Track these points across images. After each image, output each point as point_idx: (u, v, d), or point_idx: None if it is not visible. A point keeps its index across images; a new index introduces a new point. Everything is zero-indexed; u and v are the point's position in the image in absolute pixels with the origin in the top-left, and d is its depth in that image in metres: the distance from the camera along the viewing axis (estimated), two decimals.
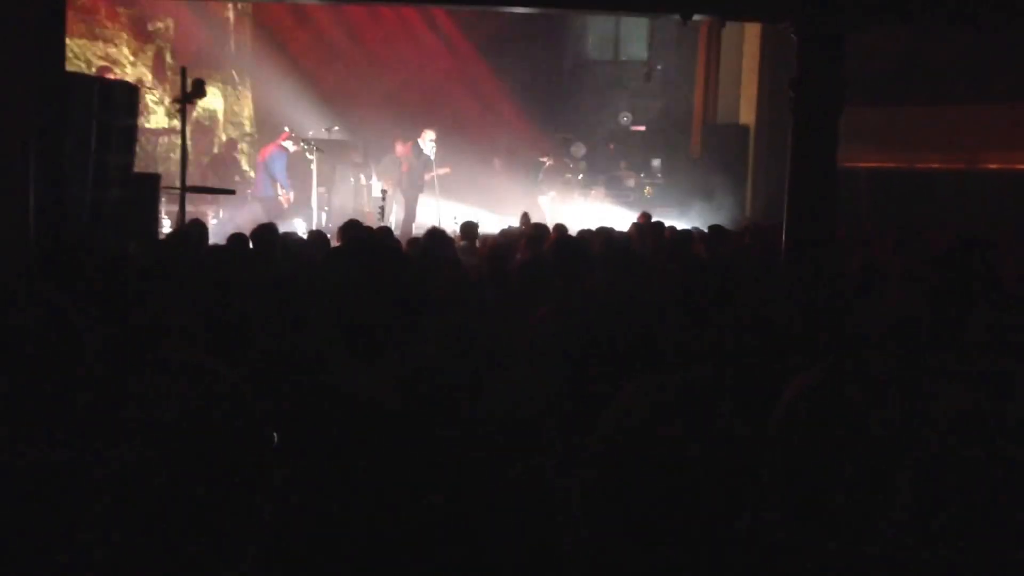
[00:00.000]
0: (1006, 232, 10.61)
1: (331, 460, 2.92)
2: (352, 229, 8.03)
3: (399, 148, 15.88)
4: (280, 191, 14.40)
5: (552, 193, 17.05)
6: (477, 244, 9.59)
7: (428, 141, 15.50)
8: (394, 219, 15.41)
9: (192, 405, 1.69)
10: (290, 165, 14.66)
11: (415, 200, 15.41)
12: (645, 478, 1.80)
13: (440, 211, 15.54)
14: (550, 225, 10.39)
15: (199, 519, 1.67)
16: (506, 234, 10.16)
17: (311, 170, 14.49)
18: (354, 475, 2.85)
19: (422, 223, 14.43)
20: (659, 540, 1.79)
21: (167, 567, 1.65)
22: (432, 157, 15.51)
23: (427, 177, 15.66)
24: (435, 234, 7.98)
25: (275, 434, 2.42)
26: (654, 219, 11.93)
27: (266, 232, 7.50)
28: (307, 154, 14.47)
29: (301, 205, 14.84)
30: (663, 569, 1.78)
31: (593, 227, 10.39)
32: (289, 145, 14.48)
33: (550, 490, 2.49)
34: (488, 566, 2.57)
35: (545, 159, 17.18)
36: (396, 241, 8.40)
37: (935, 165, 15.65)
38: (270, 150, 14.57)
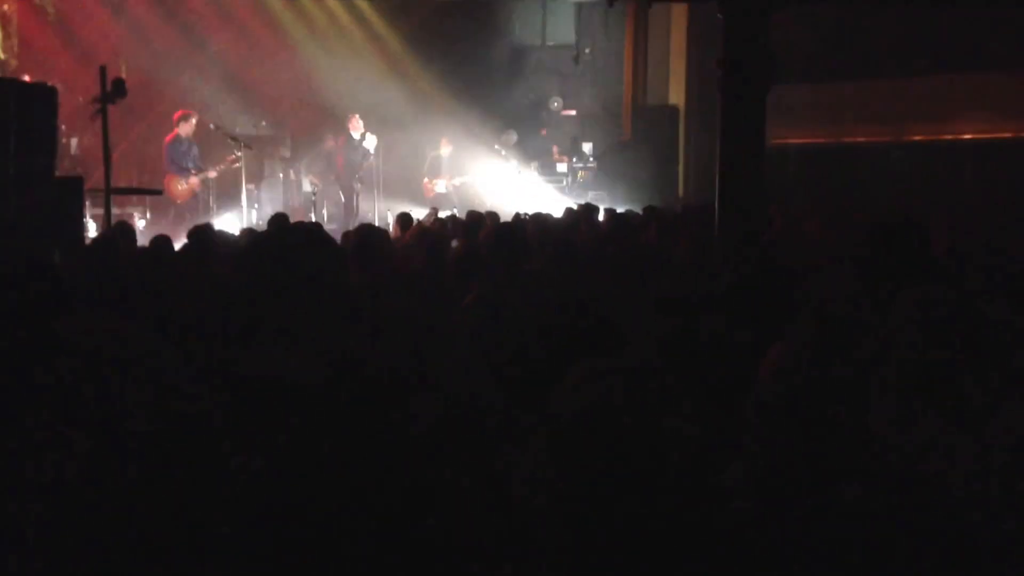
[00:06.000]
0: (933, 203, 10.77)
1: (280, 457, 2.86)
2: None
3: (330, 142, 15.64)
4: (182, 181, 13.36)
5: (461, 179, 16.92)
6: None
7: (360, 129, 15.14)
8: (325, 214, 15.23)
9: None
10: (203, 146, 13.78)
11: (353, 193, 15.11)
12: (597, 464, 1.77)
13: (376, 205, 15.37)
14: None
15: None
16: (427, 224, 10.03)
17: (239, 167, 14.21)
18: (309, 471, 2.79)
19: (363, 216, 14.27)
20: (617, 530, 1.75)
21: None
22: (371, 149, 15.24)
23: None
24: (364, 230, 7.87)
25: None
26: (587, 202, 11.93)
27: (202, 233, 7.34)
28: (235, 151, 14.09)
29: (231, 203, 14.56)
30: (625, 561, 1.75)
31: (527, 213, 10.37)
32: (185, 127, 13.47)
33: (499, 476, 2.45)
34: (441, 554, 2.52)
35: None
36: (328, 236, 8.26)
37: (861, 139, 15.85)
38: (167, 140, 13.60)
